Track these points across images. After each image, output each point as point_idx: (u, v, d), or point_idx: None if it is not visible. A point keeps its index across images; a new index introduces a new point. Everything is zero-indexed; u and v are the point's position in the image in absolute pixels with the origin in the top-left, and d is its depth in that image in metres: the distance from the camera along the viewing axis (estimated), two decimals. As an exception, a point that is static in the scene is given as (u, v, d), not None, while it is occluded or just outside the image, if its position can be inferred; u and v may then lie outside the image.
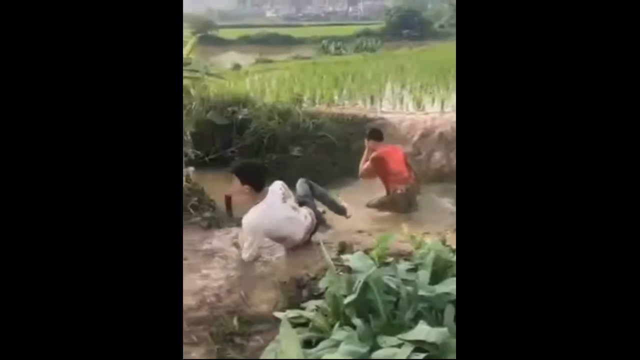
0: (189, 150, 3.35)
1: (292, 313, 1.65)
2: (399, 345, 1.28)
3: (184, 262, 2.37)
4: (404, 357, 1.22)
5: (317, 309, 1.66)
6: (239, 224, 2.97)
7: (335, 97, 6.55)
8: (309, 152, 5.05)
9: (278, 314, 1.72)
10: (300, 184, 2.84)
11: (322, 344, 1.40)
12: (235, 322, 1.81)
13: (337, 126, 5.27)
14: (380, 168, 4.02)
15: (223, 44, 23.41)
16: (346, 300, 1.51)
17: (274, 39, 24.22)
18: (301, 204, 2.63)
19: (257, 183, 2.36)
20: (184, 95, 3.39)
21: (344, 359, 1.26)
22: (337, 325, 1.48)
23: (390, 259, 1.91)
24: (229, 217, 3.31)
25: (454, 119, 4.80)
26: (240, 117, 5.36)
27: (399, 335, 1.32)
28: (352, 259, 1.74)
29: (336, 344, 1.36)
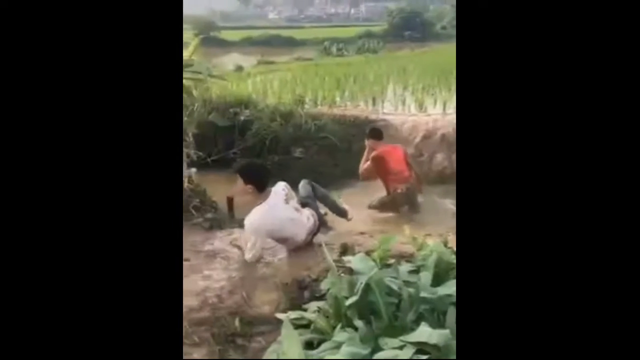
0: (191, 152, 3.36)
1: (293, 314, 1.65)
2: (401, 347, 1.28)
3: (186, 263, 2.37)
4: (406, 359, 1.22)
5: (319, 310, 1.66)
6: (240, 225, 2.98)
7: (337, 99, 6.55)
8: (310, 154, 5.05)
9: (280, 315, 1.72)
10: (303, 185, 2.85)
11: (323, 346, 1.40)
12: (237, 323, 1.81)
13: (339, 127, 5.27)
14: (380, 167, 4.02)
15: (225, 45, 23.46)
16: (348, 302, 1.51)
17: (276, 41, 24.27)
18: (303, 205, 2.63)
19: (260, 183, 2.36)
20: (186, 96, 3.40)
21: (345, 361, 1.26)
22: (338, 326, 1.48)
23: (392, 261, 1.91)
24: (231, 218, 3.31)
25: (456, 120, 4.79)
26: (242, 118, 5.37)
27: (401, 337, 1.32)
28: (353, 261, 1.74)
29: (338, 346, 1.36)
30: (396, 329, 1.42)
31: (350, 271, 1.72)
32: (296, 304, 1.86)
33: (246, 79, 8.36)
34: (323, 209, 2.88)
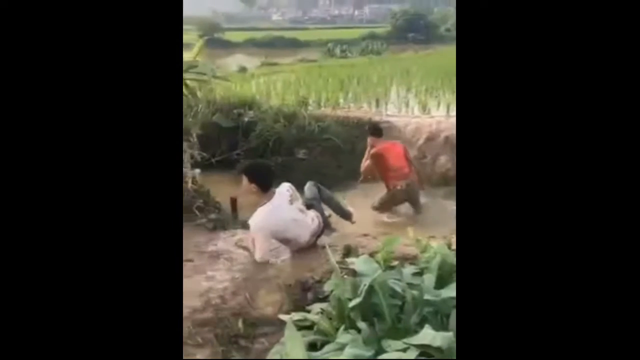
0: (195, 152, 3.37)
1: (297, 316, 1.65)
2: (404, 350, 1.28)
3: (190, 263, 2.38)
4: (409, 361, 1.22)
5: (322, 312, 1.65)
6: (244, 226, 2.99)
7: (341, 100, 6.56)
8: (314, 155, 5.06)
9: (283, 317, 1.72)
10: (309, 187, 2.85)
11: (327, 347, 1.40)
12: (240, 324, 1.81)
13: (342, 129, 5.28)
14: (379, 164, 4.01)
15: (229, 46, 23.54)
16: (351, 304, 1.51)
17: (280, 42, 24.32)
18: (309, 206, 2.63)
19: (263, 183, 2.37)
20: (190, 97, 3.42)
21: (349, 363, 1.26)
22: (342, 328, 1.48)
23: (395, 263, 1.91)
24: (234, 219, 3.32)
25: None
26: (246, 119, 5.39)
27: (404, 340, 1.32)
28: (357, 262, 1.73)
29: (341, 347, 1.36)
30: (399, 331, 1.42)
31: (354, 273, 1.72)
32: (299, 306, 1.85)
33: (250, 80, 8.38)
34: (327, 211, 2.88)
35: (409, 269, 1.79)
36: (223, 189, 3.64)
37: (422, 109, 6.11)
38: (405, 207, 4.15)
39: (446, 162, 4.87)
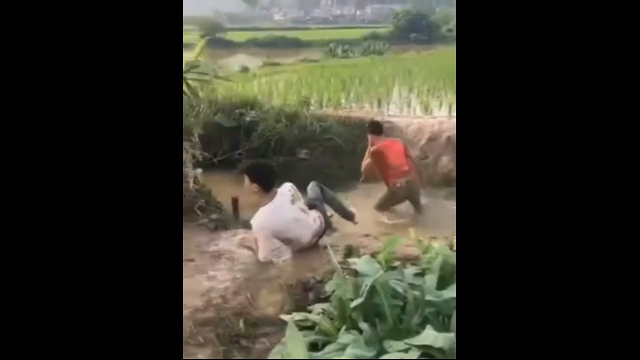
0: (197, 152, 3.37)
1: (298, 316, 1.65)
2: (406, 350, 1.28)
3: (191, 263, 2.38)
4: (411, 362, 1.22)
5: (324, 312, 1.65)
6: (245, 225, 2.99)
7: (343, 100, 6.56)
8: (316, 155, 5.06)
9: (284, 317, 1.72)
10: (312, 187, 2.85)
11: (328, 348, 1.40)
12: (241, 324, 1.81)
13: (344, 129, 5.28)
14: (379, 162, 4.00)
15: (231, 46, 23.59)
16: (353, 304, 1.50)
17: (282, 42, 24.37)
18: (311, 207, 2.63)
19: (265, 183, 2.37)
20: (192, 97, 3.42)
21: (350, 363, 1.26)
22: (343, 328, 1.47)
23: (397, 263, 1.91)
24: (236, 219, 3.32)
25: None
26: (247, 119, 5.39)
27: (406, 340, 1.32)
28: (359, 263, 1.73)
29: (342, 348, 1.36)
30: (401, 331, 1.42)
31: (355, 273, 1.72)
32: (301, 306, 1.85)
33: (252, 80, 8.39)
34: (329, 211, 2.88)
35: (410, 270, 1.79)
36: (225, 188, 3.64)
37: (424, 109, 6.11)
38: (405, 207, 4.15)
39: (448, 162, 4.86)
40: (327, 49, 17.50)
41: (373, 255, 1.95)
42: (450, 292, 1.52)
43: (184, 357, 1.63)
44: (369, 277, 1.56)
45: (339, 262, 1.94)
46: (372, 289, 1.51)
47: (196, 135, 3.40)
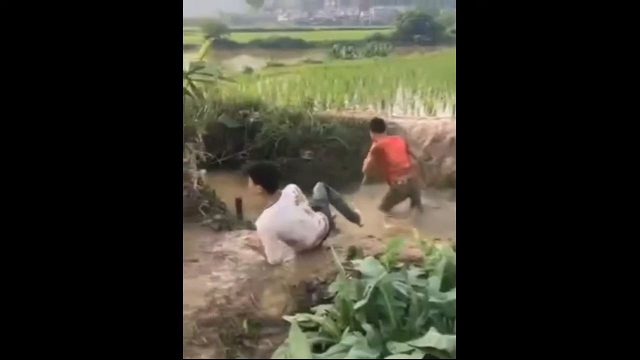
0: (200, 153, 3.38)
1: (301, 317, 1.65)
2: (409, 352, 1.28)
3: (195, 263, 2.39)
4: (414, 364, 1.22)
5: (327, 313, 1.65)
6: (249, 226, 2.99)
7: (346, 102, 6.57)
8: (319, 156, 5.06)
9: (287, 318, 1.72)
10: (318, 188, 2.85)
11: (331, 349, 1.40)
12: (244, 324, 1.81)
13: (347, 130, 5.28)
14: (380, 159, 3.99)
15: (235, 47, 23.65)
16: (356, 305, 1.50)
17: (286, 43, 24.41)
18: (316, 208, 2.63)
19: (268, 184, 2.37)
20: (197, 98, 3.43)
21: (353, 364, 1.26)
22: (346, 330, 1.47)
23: (400, 265, 1.90)
24: (239, 219, 3.33)
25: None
26: (251, 120, 5.40)
27: (409, 342, 1.32)
28: (362, 264, 1.73)
29: (346, 349, 1.36)
30: (405, 333, 1.42)
31: (359, 274, 1.72)
32: (304, 307, 1.85)
33: (255, 81, 8.41)
34: (332, 212, 2.88)
35: (414, 271, 1.79)
36: (228, 189, 3.65)
37: (427, 110, 6.10)
38: (406, 208, 4.13)
39: (452, 164, 4.84)
40: (331, 50, 17.50)
41: (376, 256, 1.95)
42: (454, 294, 1.52)
43: (188, 358, 1.63)
44: (372, 279, 1.56)
45: (343, 264, 1.94)
46: (376, 291, 1.51)
47: (200, 136, 3.41)
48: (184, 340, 1.70)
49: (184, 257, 2.36)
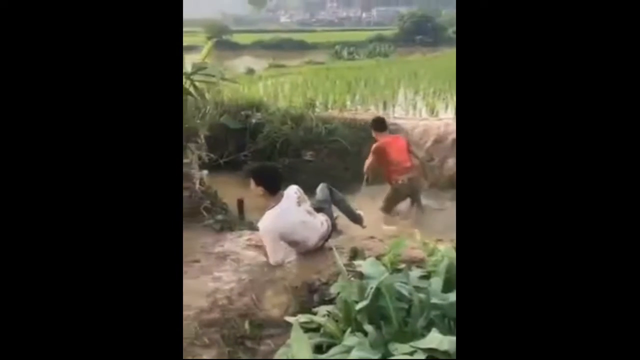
0: (202, 154, 3.38)
1: (303, 318, 1.65)
2: (411, 353, 1.28)
3: (197, 264, 2.39)
4: (416, 365, 1.21)
5: (329, 314, 1.65)
6: (250, 227, 3.00)
7: (348, 103, 6.56)
8: (321, 157, 5.06)
9: (289, 319, 1.72)
10: (321, 189, 2.84)
11: (333, 350, 1.40)
12: (246, 325, 1.81)
13: (349, 131, 5.27)
14: (381, 158, 3.98)
15: (237, 48, 23.68)
16: (358, 307, 1.50)
17: (288, 44, 24.42)
18: (319, 210, 2.63)
19: (270, 186, 2.37)
20: (199, 98, 3.43)
21: (355, 365, 1.26)
22: (348, 331, 1.47)
23: (402, 266, 1.90)
24: (241, 220, 3.33)
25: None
26: (253, 121, 5.41)
27: (411, 343, 1.32)
28: (364, 265, 1.73)
29: (347, 350, 1.36)
30: (406, 334, 1.42)
31: (361, 275, 1.72)
32: (306, 308, 1.85)
33: (258, 82, 8.42)
34: (335, 213, 2.87)
35: (416, 272, 1.79)
36: (230, 190, 3.65)
37: (429, 111, 6.09)
38: (406, 210, 4.13)
39: (454, 165, 4.83)
40: (333, 51, 17.51)
41: (378, 257, 1.95)
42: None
43: (189, 358, 1.64)
44: (374, 280, 1.56)
45: (344, 265, 1.94)
46: (378, 292, 1.51)
47: (202, 136, 3.41)
48: (186, 341, 1.70)
49: (186, 258, 2.36)
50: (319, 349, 1.46)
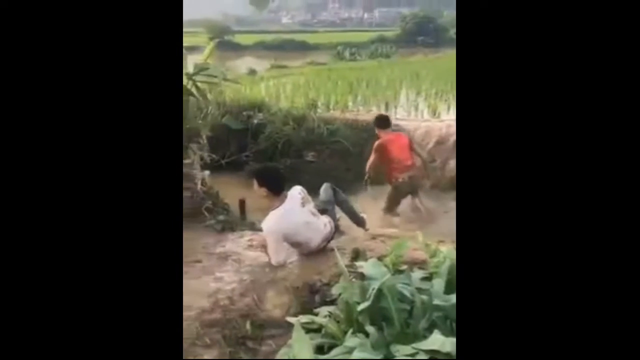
0: (204, 154, 3.39)
1: (304, 318, 1.65)
2: (413, 355, 1.27)
3: (198, 264, 2.39)
4: (418, 367, 1.21)
5: (330, 315, 1.65)
6: (252, 227, 3.00)
7: (350, 103, 6.56)
8: (323, 158, 5.07)
9: (290, 319, 1.72)
10: (325, 189, 2.84)
11: (334, 351, 1.40)
12: (248, 325, 1.81)
13: (351, 132, 5.28)
14: (382, 156, 3.97)
15: (239, 49, 23.71)
16: (359, 307, 1.50)
17: (290, 45, 24.45)
18: (322, 211, 2.62)
19: (274, 187, 2.37)
20: (201, 99, 3.44)
21: (357, 367, 1.26)
22: (350, 332, 1.47)
23: (404, 267, 1.90)
24: (242, 220, 3.33)
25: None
26: (255, 121, 5.41)
27: (413, 344, 1.31)
28: (366, 266, 1.73)
29: (349, 351, 1.35)
30: (408, 336, 1.41)
31: (362, 276, 1.72)
32: (307, 308, 1.85)
33: (259, 82, 8.42)
34: (338, 214, 2.87)
35: (417, 274, 1.78)
36: (232, 190, 3.66)
37: (431, 112, 6.09)
38: (406, 210, 4.12)
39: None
40: (335, 52, 17.52)
41: (380, 258, 1.94)
42: (458, 297, 1.51)
43: (190, 358, 1.64)
44: (376, 281, 1.55)
45: (346, 265, 1.94)
46: (379, 293, 1.50)
47: (204, 137, 3.42)
48: (187, 341, 1.70)
49: (187, 258, 2.36)
50: (320, 349, 1.46)
